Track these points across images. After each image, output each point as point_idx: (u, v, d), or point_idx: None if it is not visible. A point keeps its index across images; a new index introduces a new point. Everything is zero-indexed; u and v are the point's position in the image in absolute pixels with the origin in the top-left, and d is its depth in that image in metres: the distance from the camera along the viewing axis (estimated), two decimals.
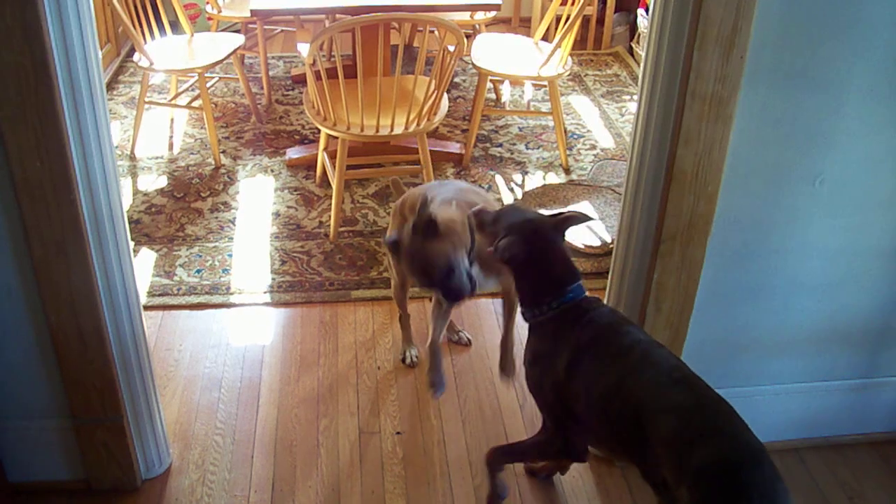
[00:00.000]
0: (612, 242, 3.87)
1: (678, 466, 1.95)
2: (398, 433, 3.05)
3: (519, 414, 3.14)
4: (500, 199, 4.42)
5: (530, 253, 2.36)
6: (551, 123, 5.25)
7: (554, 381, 2.35)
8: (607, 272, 2.90)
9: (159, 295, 3.76)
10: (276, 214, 4.38)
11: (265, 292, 3.80)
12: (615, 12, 6.69)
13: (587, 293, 2.39)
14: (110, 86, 5.76)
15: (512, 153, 5.04)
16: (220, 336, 3.53)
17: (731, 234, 2.54)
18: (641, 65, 2.44)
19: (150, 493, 2.82)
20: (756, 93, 2.31)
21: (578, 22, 4.47)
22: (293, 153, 4.89)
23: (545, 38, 5.13)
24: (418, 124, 4.00)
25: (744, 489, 1.87)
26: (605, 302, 2.78)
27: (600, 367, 2.24)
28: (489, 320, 3.65)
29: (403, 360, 3.38)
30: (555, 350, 2.35)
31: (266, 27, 5.93)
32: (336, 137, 4.07)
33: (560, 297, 2.36)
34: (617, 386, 2.17)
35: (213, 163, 4.84)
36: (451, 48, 3.90)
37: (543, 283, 2.39)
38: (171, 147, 5.05)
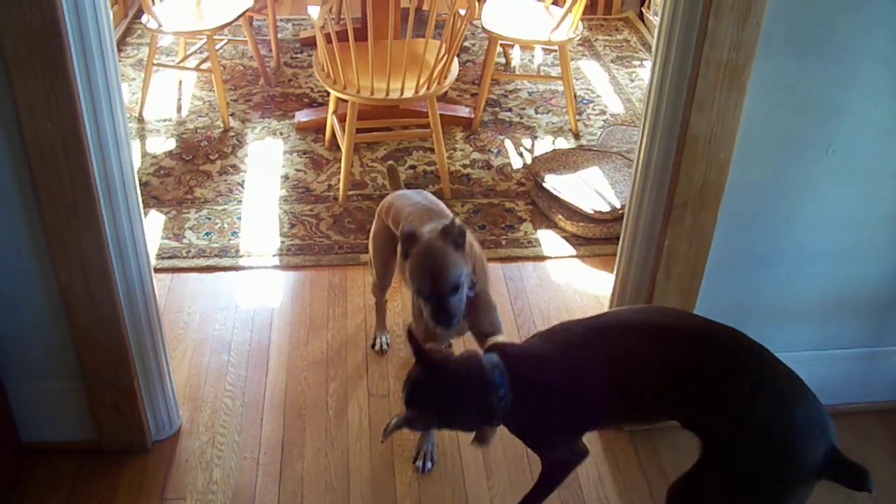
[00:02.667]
0: (621, 208, 3.86)
1: (716, 405, 2.02)
2: None
3: None
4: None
5: (435, 411, 2.12)
6: (561, 88, 5.22)
7: (559, 429, 2.25)
8: (616, 238, 2.90)
9: (168, 257, 3.76)
10: (285, 177, 4.37)
11: (274, 255, 3.80)
12: None
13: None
14: (118, 48, 5.74)
15: (521, 118, 5.02)
16: (230, 299, 3.54)
17: (743, 201, 2.54)
18: (656, 31, 2.43)
19: (160, 454, 2.84)
20: (771, 61, 2.29)
21: None
22: (302, 116, 4.88)
23: (556, 2, 5.10)
24: (428, 88, 3.98)
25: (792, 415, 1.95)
26: (615, 269, 2.78)
27: (593, 377, 2.14)
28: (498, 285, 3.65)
29: (373, 346, 3.29)
30: (542, 411, 2.18)
31: None
32: (346, 100, 4.06)
33: (495, 388, 2.11)
34: (624, 374, 2.12)
35: (221, 125, 4.83)
36: (462, 12, 3.87)
37: (471, 403, 2.12)
38: (179, 109, 5.04)
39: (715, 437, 2.06)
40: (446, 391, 2.11)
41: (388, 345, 3.31)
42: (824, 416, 1.98)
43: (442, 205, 2.86)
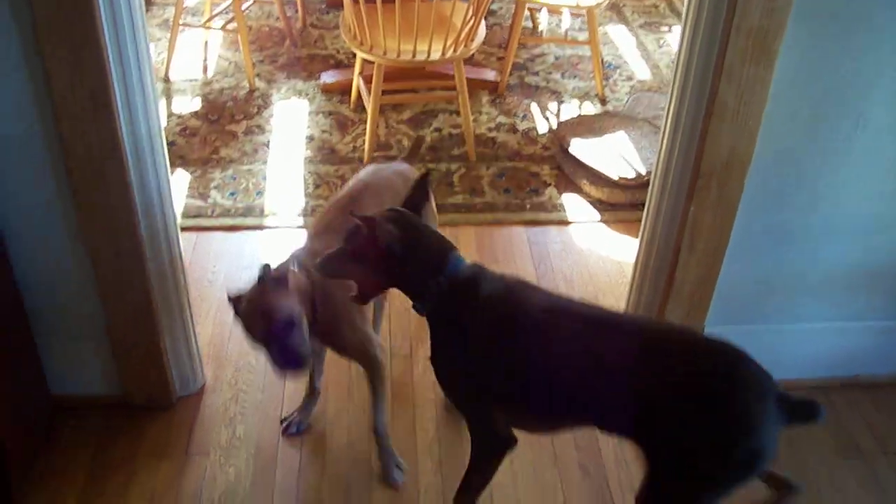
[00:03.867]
0: (646, 174, 3.85)
1: (656, 384, 1.96)
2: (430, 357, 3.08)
3: None
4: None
5: (404, 237, 2.11)
6: (588, 53, 5.19)
7: (467, 370, 2.18)
8: (642, 204, 2.89)
9: (193, 216, 3.79)
10: (310, 138, 4.38)
11: (299, 215, 3.81)
12: None
13: (481, 267, 2.20)
14: (144, 7, 5.73)
15: (548, 82, 5.00)
16: (254, 258, 3.56)
17: (770, 172, 2.53)
18: None
19: (185, 410, 2.88)
20: (803, 30, 2.27)
21: None
22: (328, 77, 4.87)
23: None
24: (455, 50, 3.97)
25: (727, 382, 1.94)
26: (639, 236, 2.79)
27: (527, 346, 2.09)
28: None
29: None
30: (462, 334, 2.15)
31: None
32: (372, 62, 4.05)
33: (445, 270, 2.13)
34: (554, 358, 2.07)
35: (247, 86, 4.83)
36: None
37: (425, 262, 2.14)
38: (205, 70, 5.04)
39: (658, 438, 2.00)
40: (418, 233, 2.15)
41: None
42: (760, 370, 1.98)
43: (386, 182, 2.76)
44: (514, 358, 2.10)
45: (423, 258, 2.14)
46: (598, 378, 2.02)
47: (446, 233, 3.50)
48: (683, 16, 2.43)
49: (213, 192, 3.94)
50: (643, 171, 3.88)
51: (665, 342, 2.03)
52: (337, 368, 3.02)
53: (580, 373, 2.03)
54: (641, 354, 1.99)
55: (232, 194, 3.93)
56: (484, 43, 4.75)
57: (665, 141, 2.57)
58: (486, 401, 2.20)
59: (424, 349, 3.06)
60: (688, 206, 2.55)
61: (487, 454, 2.31)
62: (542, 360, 2.08)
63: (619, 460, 2.75)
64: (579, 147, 4.06)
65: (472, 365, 2.15)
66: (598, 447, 2.79)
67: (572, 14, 5.73)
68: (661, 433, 1.98)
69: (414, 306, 2.22)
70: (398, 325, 3.22)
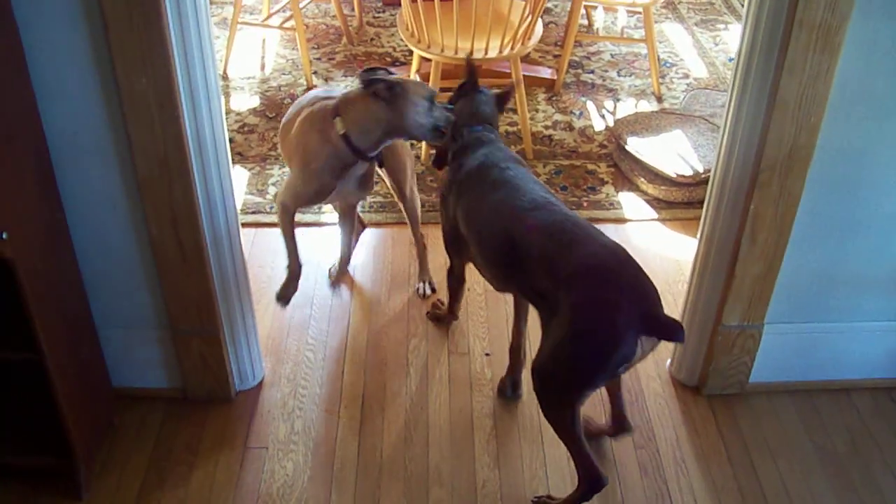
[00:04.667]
0: (704, 172, 3.82)
1: (552, 274, 2.28)
2: (487, 354, 3.09)
3: None
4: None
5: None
6: (644, 51, 5.17)
7: (451, 209, 2.73)
8: (699, 202, 2.88)
9: (252, 213, 3.82)
10: None
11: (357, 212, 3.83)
12: None
13: (496, 139, 2.80)
14: None
15: (604, 80, 4.98)
16: (312, 254, 3.58)
17: (832, 166, 2.50)
18: None
19: (244, 404, 2.91)
20: (867, 22, 2.24)
21: None
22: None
23: None
24: (512, 48, 3.97)
25: (608, 278, 2.23)
26: (698, 233, 2.77)
27: (478, 201, 2.61)
28: None
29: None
30: (451, 182, 2.74)
31: None
32: (429, 59, 4.07)
33: (468, 128, 2.78)
34: (493, 218, 2.53)
35: (304, 83, 4.87)
36: None
37: (464, 116, 2.82)
38: (262, 67, 5.09)
39: (549, 301, 2.32)
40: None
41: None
42: (643, 283, 2.24)
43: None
44: (468, 218, 2.65)
45: (463, 116, 2.82)
46: (514, 254, 2.43)
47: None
48: (745, 11, 2.40)
49: (272, 189, 3.98)
50: (700, 169, 3.85)
51: (568, 233, 2.35)
52: (396, 364, 3.04)
53: (505, 244, 2.47)
54: (543, 240, 2.36)
55: None
56: (540, 41, 4.74)
57: (725, 135, 2.54)
58: (455, 238, 2.79)
59: (481, 346, 3.07)
60: (749, 201, 2.53)
61: (449, 273, 3.07)
62: (478, 222, 2.61)
63: (677, 460, 2.74)
64: (636, 145, 4.04)
65: (449, 203, 2.75)
66: (657, 447, 2.77)
67: (628, 12, 5.71)
68: (547, 316, 2.36)
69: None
70: (456, 322, 3.22)
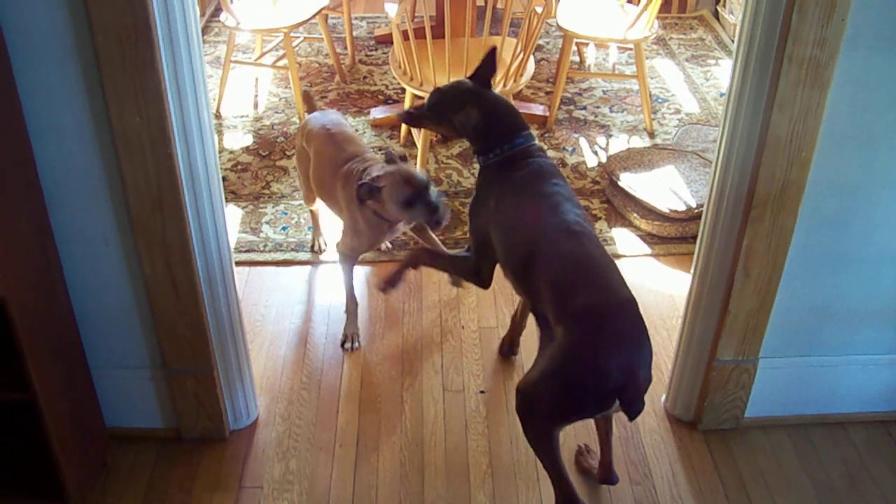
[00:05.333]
0: (697, 207, 3.83)
1: (558, 307, 2.29)
2: (482, 392, 3.08)
3: None
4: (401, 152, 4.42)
5: (485, 116, 2.72)
6: (636, 87, 5.20)
7: (485, 212, 2.68)
8: (692, 237, 2.88)
9: (246, 251, 3.82)
10: None
11: None
12: None
13: (541, 150, 2.73)
14: None
15: (596, 116, 5.01)
16: (306, 292, 3.59)
17: (824, 200, 2.50)
18: (737, 28, 2.40)
19: (238, 443, 2.89)
20: (856, 56, 2.26)
21: None
22: (377, 113, 4.91)
23: (631, 0, 5.07)
24: (504, 85, 3.99)
25: (606, 330, 2.21)
26: (692, 268, 2.77)
27: (517, 204, 2.59)
28: None
29: (312, 248, 3.88)
30: (491, 185, 2.68)
31: None
32: (422, 97, 4.08)
33: (510, 143, 2.68)
34: (523, 225, 2.53)
35: (297, 121, 4.89)
36: (539, 9, 3.87)
37: (496, 133, 2.71)
38: (256, 106, 5.11)
39: (549, 327, 2.37)
40: (496, 111, 2.76)
41: (325, 244, 3.88)
42: (640, 346, 2.23)
43: (344, 124, 3.54)
44: (501, 217, 2.61)
45: (495, 133, 2.71)
46: (531, 268, 2.43)
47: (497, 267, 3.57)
48: (735, 47, 2.42)
49: (265, 227, 3.98)
50: (693, 204, 3.86)
51: (586, 272, 2.35)
52: (390, 402, 3.03)
53: (525, 255, 2.47)
54: (560, 270, 2.36)
55: (283, 229, 3.97)
56: (532, 78, 4.77)
57: (717, 171, 2.55)
58: (486, 241, 2.69)
59: (476, 384, 3.07)
60: (741, 236, 2.54)
61: (462, 265, 2.88)
62: (511, 226, 2.58)
63: (674, 497, 2.72)
64: (629, 180, 4.05)
65: (483, 208, 2.70)
66: (653, 483, 2.76)
67: (619, 48, 5.75)
68: (544, 338, 2.45)
69: (475, 157, 2.79)
70: (451, 360, 3.22)
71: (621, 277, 2.35)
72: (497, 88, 3.97)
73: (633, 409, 2.18)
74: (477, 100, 2.74)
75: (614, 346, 2.20)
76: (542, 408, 2.30)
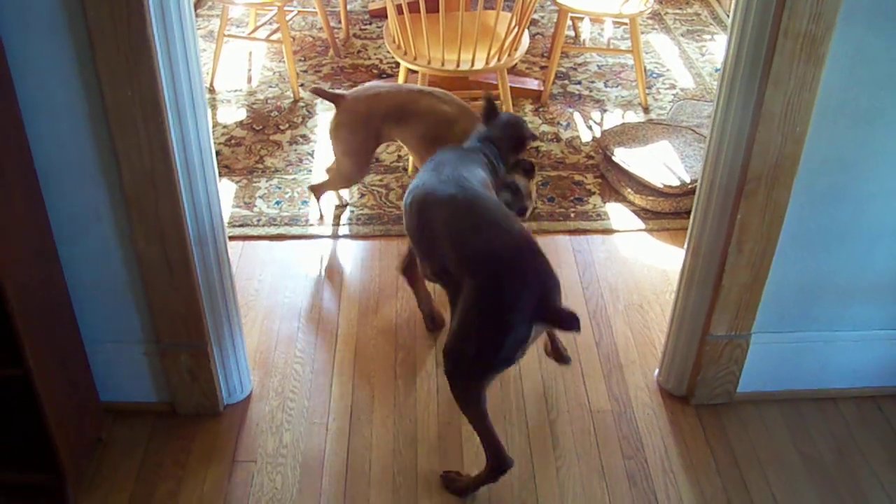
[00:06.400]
0: (691, 182, 3.83)
1: (457, 255, 2.43)
2: None
3: (595, 350, 3.16)
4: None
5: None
6: (630, 62, 5.19)
7: None
8: (686, 212, 2.89)
9: (239, 226, 3.82)
10: None
11: (343, 224, 3.84)
12: None
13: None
14: None
15: (591, 91, 5.00)
16: (300, 267, 3.59)
17: (818, 176, 2.51)
18: (733, 2, 2.39)
19: (232, 417, 2.90)
20: (851, 32, 2.25)
21: None
22: None
23: None
24: (499, 59, 3.98)
25: (512, 268, 2.33)
26: (685, 243, 2.78)
27: (423, 169, 2.78)
28: (566, 257, 3.65)
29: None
30: None
31: None
32: (416, 72, 4.07)
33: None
34: (415, 190, 2.68)
35: (291, 96, 4.87)
36: None
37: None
38: (249, 80, 5.09)
39: (454, 280, 2.47)
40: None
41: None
42: (542, 271, 2.35)
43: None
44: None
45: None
46: (423, 230, 2.63)
47: None
48: (730, 21, 2.42)
49: (259, 202, 3.98)
50: (687, 179, 3.86)
51: (475, 223, 2.47)
52: (384, 376, 3.04)
53: (417, 222, 2.65)
54: (450, 224, 2.50)
55: (277, 203, 3.97)
56: (527, 52, 4.76)
57: (712, 146, 2.55)
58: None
59: None
60: (735, 211, 2.54)
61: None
62: (407, 202, 2.74)
63: (666, 471, 2.74)
64: (623, 155, 4.05)
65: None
66: (645, 457, 2.77)
67: (614, 23, 5.73)
68: (453, 295, 2.51)
69: None
70: (444, 335, 3.23)
71: (508, 214, 2.51)
72: (491, 63, 3.96)
73: (570, 327, 2.31)
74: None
75: (517, 280, 2.31)
76: (467, 360, 2.40)
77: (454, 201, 2.53)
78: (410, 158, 4.15)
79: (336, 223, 3.85)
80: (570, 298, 3.38)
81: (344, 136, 3.49)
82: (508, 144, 2.98)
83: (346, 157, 3.54)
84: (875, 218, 2.61)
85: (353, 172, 3.60)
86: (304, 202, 3.97)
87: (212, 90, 4.93)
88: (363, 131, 3.45)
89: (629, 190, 3.99)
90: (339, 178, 3.68)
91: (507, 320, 2.30)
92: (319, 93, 3.59)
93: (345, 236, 3.77)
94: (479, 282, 2.35)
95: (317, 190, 3.84)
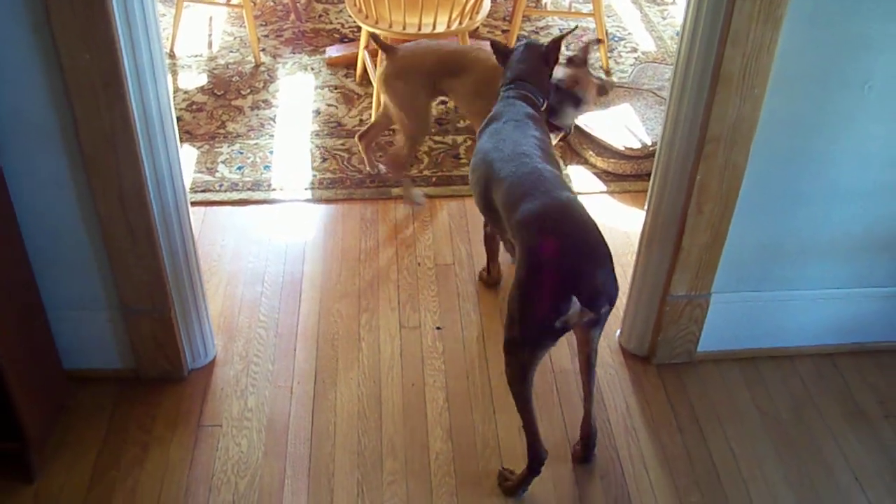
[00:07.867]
0: (652, 145, 3.85)
1: (509, 222, 2.45)
2: (438, 328, 3.11)
3: None
4: None
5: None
6: (592, 25, 5.19)
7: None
8: (647, 175, 2.90)
9: (202, 191, 3.80)
10: (317, 112, 4.39)
11: (306, 189, 3.83)
12: None
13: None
14: None
15: None
16: (262, 232, 3.58)
17: (776, 137, 2.53)
18: None
19: (196, 382, 2.91)
20: None
21: None
22: (333, 52, 4.87)
23: None
24: (460, 23, 3.97)
25: (547, 229, 2.32)
26: (646, 204, 2.80)
27: (478, 148, 2.79)
28: None
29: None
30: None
31: None
32: (377, 36, 4.05)
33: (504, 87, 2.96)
34: (479, 162, 2.72)
35: (252, 61, 4.84)
36: None
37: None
38: (210, 45, 5.04)
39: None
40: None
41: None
42: (585, 243, 2.36)
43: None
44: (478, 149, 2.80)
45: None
46: (487, 199, 2.67)
47: (453, 204, 3.59)
48: None
49: (221, 167, 3.96)
50: (648, 142, 3.89)
51: (523, 191, 2.45)
52: (348, 339, 3.05)
53: (482, 189, 2.70)
54: (506, 196, 2.50)
55: (239, 168, 3.95)
56: (488, 16, 4.76)
57: (671, 107, 2.57)
58: None
59: (433, 320, 3.09)
60: (694, 173, 2.56)
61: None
62: (472, 170, 2.80)
63: (628, 429, 2.78)
64: (585, 119, 4.06)
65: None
66: (608, 416, 2.81)
67: None
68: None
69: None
70: (407, 297, 3.25)
71: (564, 183, 2.50)
72: (453, 26, 3.95)
73: (595, 304, 2.29)
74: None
75: (558, 242, 2.29)
76: (515, 325, 2.35)
77: (511, 177, 2.52)
78: (373, 122, 4.15)
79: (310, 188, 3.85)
80: None
81: (399, 87, 3.52)
82: (537, 68, 3.03)
83: (405, 112, 3.57)
84: (832, 179, 2.64)
85: (417, 127, 3.62)
86: (267, 167, 3.95)
87: (172, 56, 4.88)
88: (416, 82, 3.50)
89: (591, 153, 4.01)
90: (408, 140, 3.66)
91: (541, 289, 2.27)
92: (375, 40, 3.64)
93: (307, 200, 3.77)
94: (523, 242, 2.35)
95: (364, 138, 3.90)
